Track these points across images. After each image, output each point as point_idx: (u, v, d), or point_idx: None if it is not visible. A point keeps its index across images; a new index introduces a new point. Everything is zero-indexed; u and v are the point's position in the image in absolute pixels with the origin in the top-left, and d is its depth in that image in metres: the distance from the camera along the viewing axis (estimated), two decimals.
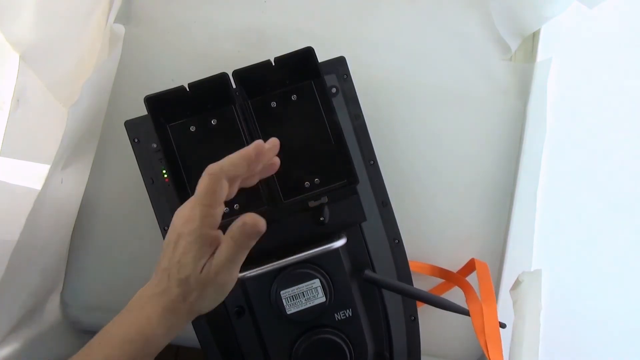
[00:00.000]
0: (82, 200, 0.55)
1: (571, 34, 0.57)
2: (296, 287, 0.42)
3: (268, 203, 0.42)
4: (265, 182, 0.43)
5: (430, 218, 0.56)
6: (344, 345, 0.43)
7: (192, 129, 0.42)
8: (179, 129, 0.42)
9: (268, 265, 0.41)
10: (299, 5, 0.58)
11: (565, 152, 0.56)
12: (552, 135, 0.54)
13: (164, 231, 0.46)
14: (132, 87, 0.55)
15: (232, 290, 0.43)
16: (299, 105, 0.43)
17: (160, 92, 0.41)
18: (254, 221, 0.32)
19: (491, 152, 0.58)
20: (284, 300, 0.42)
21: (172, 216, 0.35)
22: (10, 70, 0.46)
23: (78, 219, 0.55)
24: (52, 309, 0.54)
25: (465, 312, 0.44)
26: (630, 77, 0.54)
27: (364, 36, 0.58)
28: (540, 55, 0.58)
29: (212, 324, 0.46)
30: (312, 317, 0.43)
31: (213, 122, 0.42)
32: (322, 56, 0.47)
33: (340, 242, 0.42)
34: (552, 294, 0.49)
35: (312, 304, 0.43)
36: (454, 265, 0.55)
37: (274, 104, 0.43)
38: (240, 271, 0.41)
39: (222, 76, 0.41)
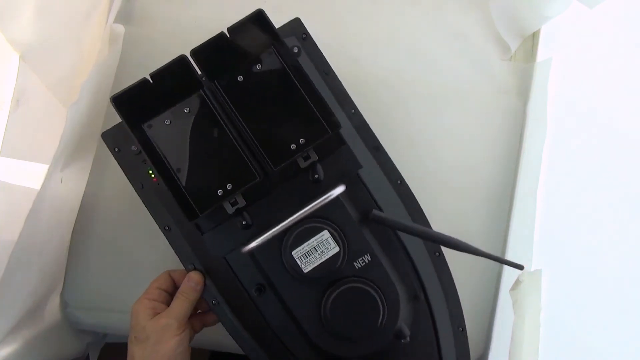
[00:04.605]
0: (82, 200, 0.55)
1: (571, 34, 0.57)
2: (306, 243, 0.41)
3: (259, 175, 0.41)
4: (252, 155, 0.42)
5: (430, 218, 0.56)
6: (371, 291, 0.42)
7: (167, 122, 0.41)
8: (155, 125, 0.41)
9: (272, 230, 0.41)
10: (298, 5, 0.58)
11: (565, 152, 0.56)
12: (552, 135, 0.54)
13: (165, 230, 0.46)
14: None
15: (248, 270, 0.43)
16: (265, 73, 0.42)
17: (124, 89, 0.39)
18: (197, 278, 0.44)
19: (491, 151, 0.57)
20: (297, 260, 0.41)
21: (170, 214, 0.42)
22: (10, 70, 0.46)
23: (78, 219, 0.55)
24: (52, 309, 0.54)
25: (484, 254, 0.42)
26: (631, 76, 0.54)
27: (364, 36, 0.58)
28: (540, 55, 0.58)
29: (236, 310, 0.45)
30: (331, 270, 0.42)
31: (186, 110, 0.41)
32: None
33: (338, 190, 0.42)
34: (552, 294, 0.49)
35: (327, 257, 0.41)
36: (454, 265, 0.55)
37: (240, 78, 0.41)
38: (245, 245, 0.41)
39: (181, 59, 0.40)
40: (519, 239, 0.56)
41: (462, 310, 0.47)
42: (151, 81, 0.40)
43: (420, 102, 0.57)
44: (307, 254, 0.41)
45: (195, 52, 0.40)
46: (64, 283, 0.55)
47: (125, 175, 0.45)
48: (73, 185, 0.53)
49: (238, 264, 0.45)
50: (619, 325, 0.50)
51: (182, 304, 0.44)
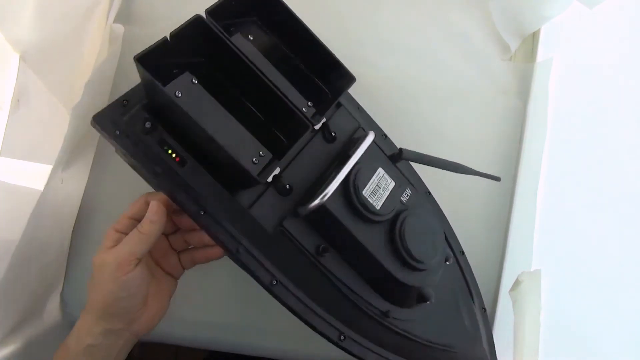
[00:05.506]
0: (82, 200, 0.55)
1: (571, 34, 0.57)
2: (370, 182, 0.42)
3: (285, 140, 0.41)
4: (278, 121, 0.41)
5: None
6: (429, 219, 0.44)
7: (194, 80, 0.38)
8: (183, 90, 0.37)
9: (339, 174, 0.40)
10: (299, 6, 0.58)
11: (565, 152, 0.56)
12: (552, 135, 0.54)
13: (202, 215, 0.39)
14: (131, 87, 0.55)
15: (306, 233, 0.41)
16: (259, 42, 0.41)
17: (147, 49, 0.35)
18: (154, 207, 0.38)
19: (491, 152, 0.57)
20: (369, 199, 0.41)
21: (204, 195, 0.38)
22: (10, 70, 0.46)
23: (78, 219, 0.55)
24: (52, 309, 0.54)
25: (493, 177, 0.49)
26: (630, 76, 0.54)
27: (365, 36, 0.58)
28: (540, 55, 0.58)
29: (299, 283, 0.42)
30: (395, 204, 0.42)
31: (209, 72, 0.39)
32: None
33: (371, 135, 0.43)
34: (552, 294, 0.49)
35: (389, 192, 0.42)
36: None
37: (250, 37, 0.41)
38: (309, 202, 0.40)
39: (197, 18, 0.37)
40: (519, 239, 0.56)
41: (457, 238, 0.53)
42: (170, 41, 0.36)
43: (420, 102, 0.57)
44: (373, 191, 0.42)
45: (211, 12, 0.38)
46: (64, 283, 0.55)
47: (134, 161, 0.38)
48: (73, 186, 0.53)
49: (296, 230, 0.41)
50: (619, 325, 0.50)
51: (129, 240, 0.37)
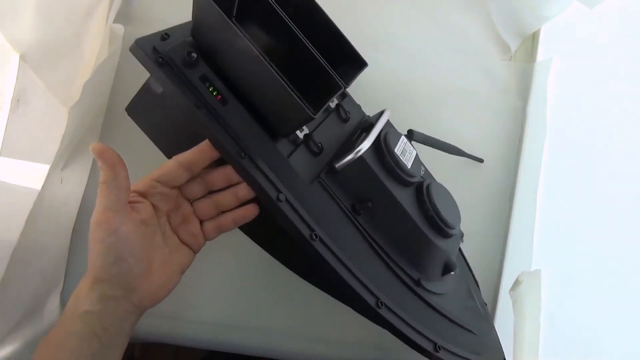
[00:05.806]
0: (82, 200, 0.55)
1: (571, 34, 0.57)
2: (398, 144, 0.43)
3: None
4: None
5: None
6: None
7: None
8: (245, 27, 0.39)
9: (375, 129, 0.41)
10: None
11: (565, 151, 0.56)
12: (552, 135, 0.54)
13: (243, 158, 0.36)
14: (131, 87, 0.55)
15: (341, 193, 0.41)
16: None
17: None
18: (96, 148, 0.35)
19: (491, 152, 0.57)
20: (400, 156, 0.43)
21: (245, 138, 0.37)
22: (10, 70, 0.46)
23: (78, 219, 0.55)
24: (52, 309, 0.53)
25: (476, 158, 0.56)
26: (630, 76, 0.54)
27: (365, 36, 0.58)
28: (540, 55, 0.58)
29: (335, 238, 0.39)
30: (419, 170, 0.44)
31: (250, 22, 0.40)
32: None
33: (387, 113, 0.45)
34: (552, 294, 0.49)
35: (413, 157, 0.45)
36: None
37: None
38: (343, 157, 0.40)
39: None
40: (519, 239, 0.56)
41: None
42: None
43: (420, 102, 0.57)
44: (402, 153, 0.44)
45: None
46: (64, 283, 0.55)
47: (176, 94, 0.35)
48: (73, 186, 0.53)
49: (332, 186, 0.40)
50: (619, 325, 0.50)
51: (98, 196, 0.34)
